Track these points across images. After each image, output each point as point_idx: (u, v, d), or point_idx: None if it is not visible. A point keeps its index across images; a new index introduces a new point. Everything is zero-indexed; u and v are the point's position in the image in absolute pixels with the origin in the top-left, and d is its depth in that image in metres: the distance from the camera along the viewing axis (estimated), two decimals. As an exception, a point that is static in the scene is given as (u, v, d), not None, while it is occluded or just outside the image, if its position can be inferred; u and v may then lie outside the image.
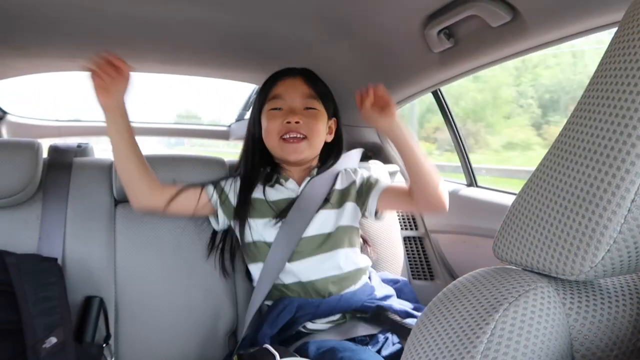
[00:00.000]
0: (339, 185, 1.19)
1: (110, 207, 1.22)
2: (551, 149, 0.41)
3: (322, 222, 1.11)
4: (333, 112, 1.21)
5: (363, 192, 1.17)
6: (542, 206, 0.39)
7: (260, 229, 1.10)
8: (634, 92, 0.33)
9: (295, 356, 0.88)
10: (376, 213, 1.15)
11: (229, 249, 1.21)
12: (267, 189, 1.15)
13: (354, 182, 1.19)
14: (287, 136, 1.11)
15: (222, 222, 1.16)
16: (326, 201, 1.14)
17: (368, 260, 1.17)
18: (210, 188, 1.16)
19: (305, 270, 1.07)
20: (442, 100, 1.43)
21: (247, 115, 2.26)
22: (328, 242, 1.09)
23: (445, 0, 0.92)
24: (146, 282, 1.20)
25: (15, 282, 0.96)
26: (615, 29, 0.39)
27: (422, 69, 1.25)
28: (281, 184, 1.16)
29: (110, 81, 0.94)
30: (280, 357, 0.84)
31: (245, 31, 1.24)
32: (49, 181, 1.19)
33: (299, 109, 1.12)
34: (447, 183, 1.58)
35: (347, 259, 1.09)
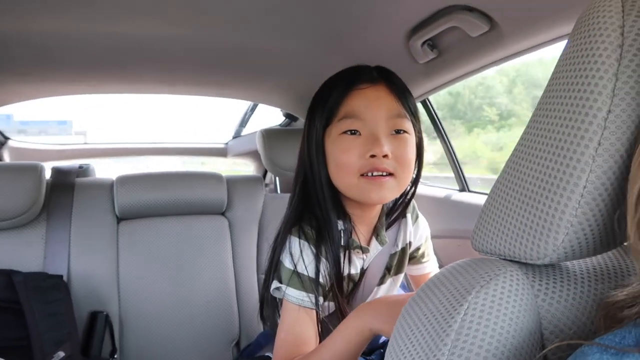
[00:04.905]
0: (400, 243, 0.95)
1: (113, 224, 1.26)
2: (517, 146, 0.45)
3: (377, 296, 0.92)
4: (419, 130, 0.90)
5: (417, 257, 1.00)
6: (510, 198, 0.43)
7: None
8: (584, 97, 0.37)
9: None
10: None
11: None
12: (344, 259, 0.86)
13: (413, 243, 0.98)
14: (371, 174, 0.81)
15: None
16: (386, 271, 0.93)
17: None
18: (305, 297, 0.81)
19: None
20: (431, 109, 1.48)
21: (244, 132, 2.33)
22: None
23: (426, 12, 0.96)
24: (149, 296, 1.23)
25: (23, 299, 0.99)
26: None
27: (409, 79, 1.28)
28: (353, 253, 0.88)
29: None
30: None
31: (241, 48, 1.28)
32: (53, 202, 1.23)
33: (384, 133, 0.81)
34: (439, 189, 1.61)
35: None
